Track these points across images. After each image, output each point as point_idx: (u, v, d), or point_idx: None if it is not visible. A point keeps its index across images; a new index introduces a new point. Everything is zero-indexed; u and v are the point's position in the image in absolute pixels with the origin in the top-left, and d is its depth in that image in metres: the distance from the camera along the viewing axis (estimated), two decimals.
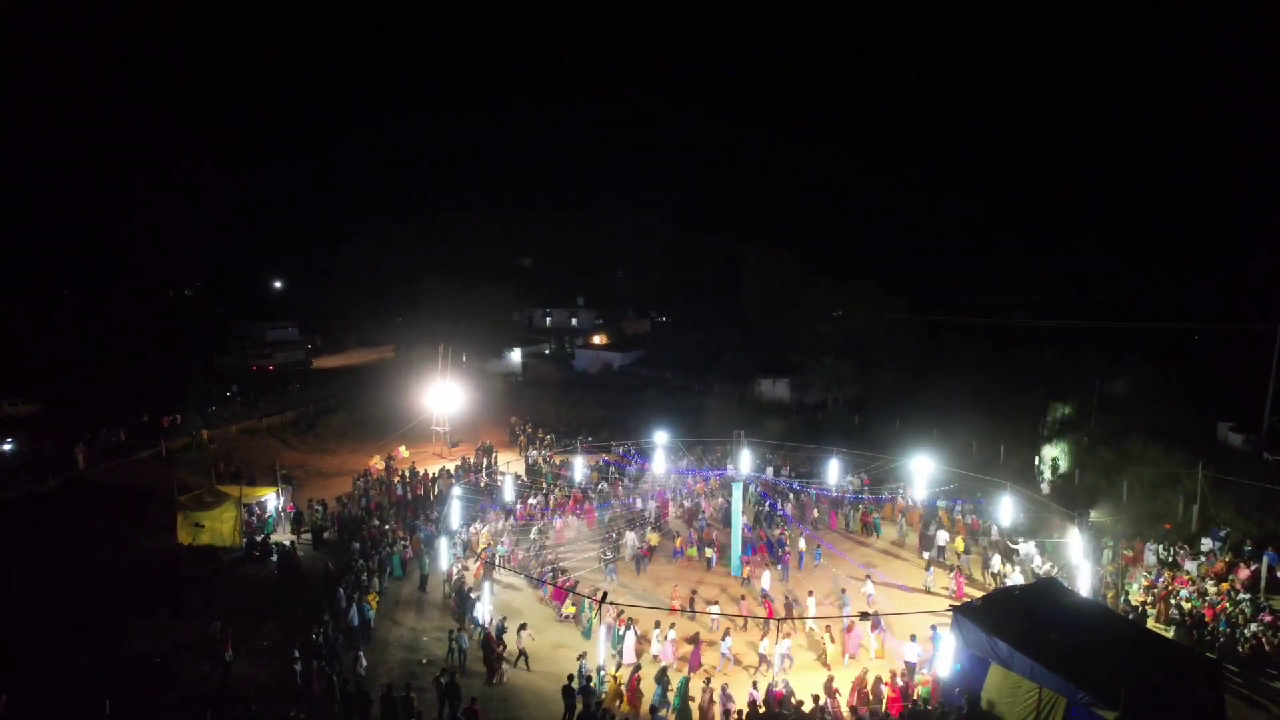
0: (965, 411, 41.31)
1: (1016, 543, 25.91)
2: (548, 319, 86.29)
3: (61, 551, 24.67)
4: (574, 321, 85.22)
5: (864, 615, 19.14)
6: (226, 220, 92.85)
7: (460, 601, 21.48)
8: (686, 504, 31.46)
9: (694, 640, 19.27)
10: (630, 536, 26.44)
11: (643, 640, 19.88)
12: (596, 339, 72.91)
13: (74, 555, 24.48)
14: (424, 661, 19.30)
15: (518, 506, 29.73)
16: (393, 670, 18.76)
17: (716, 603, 21.99)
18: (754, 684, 17.18)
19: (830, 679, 17.41)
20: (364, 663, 18.14)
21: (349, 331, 76.43)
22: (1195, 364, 46.79)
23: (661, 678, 16.75)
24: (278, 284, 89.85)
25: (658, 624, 19.84)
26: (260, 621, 20.97)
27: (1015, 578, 23.62)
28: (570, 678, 16.72)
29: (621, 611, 19.92)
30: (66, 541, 25.49)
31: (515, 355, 64.51)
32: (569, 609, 21.67)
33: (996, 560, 25.01)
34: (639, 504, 30.74)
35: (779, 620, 19.82)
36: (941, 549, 26.61)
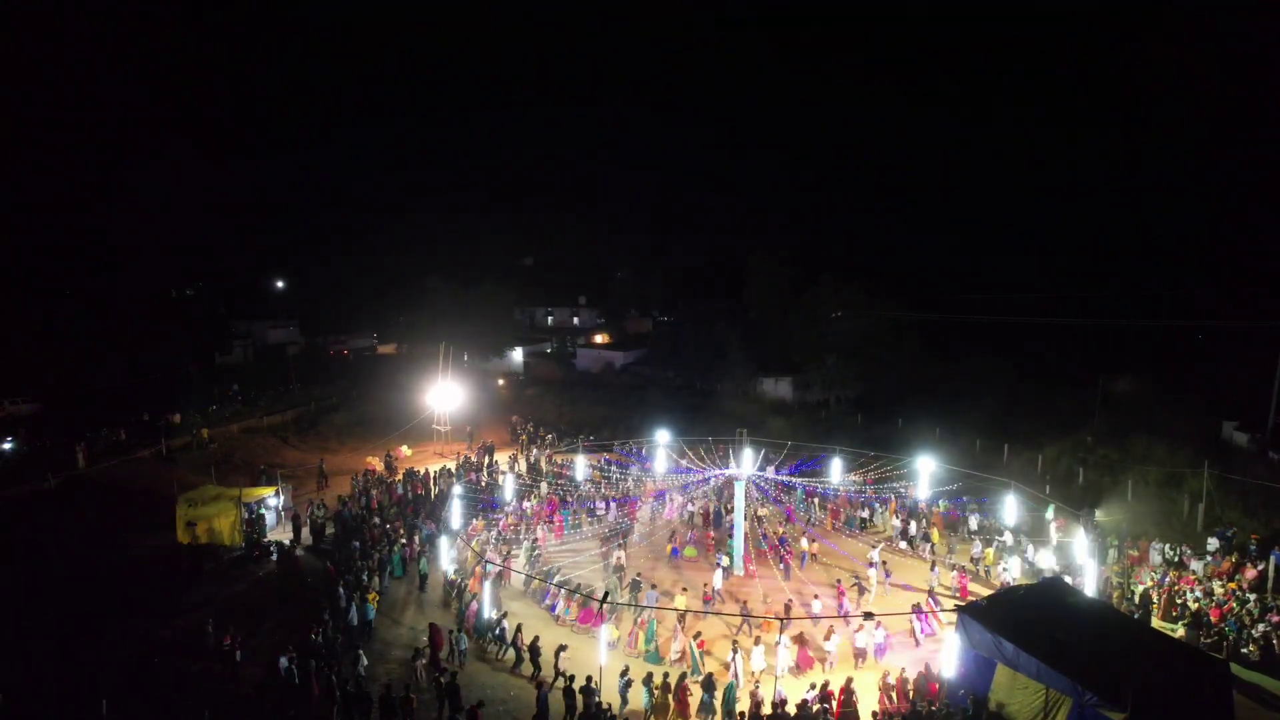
0: (968, 410, 41.22)
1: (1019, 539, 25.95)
2: (549, 318, 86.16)
3: (61, 550, 24.58)
4: (576, 320, 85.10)
5: (869, 615, 18.98)
6: (228, 219, 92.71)
7: (477, 618, 20.71)
8: (690, 507, 31.10)
9: (799, 640, 19.38)
10: (620, 555, 24.58)
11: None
12: (598, 338, 72.80)
13: (73, 554, 24.39)
14: (424, 662, 19.15)
15: (509, 509, 29.03)
16: (392, 670, 18.64)
17: (816, 597, 21.88)
18: (811, 685, 17.03)
19: (885, 674, 17.53)
20: (365, 662, 18.03)
21: (351, 331, 76.30)
22: (1200, 362, 46.57)
23: (709, 684, 16.63)
24: (279, 283, 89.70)
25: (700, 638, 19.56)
26: (260, 621, 20.89)
27: (1013, 570, 23.81)
28: (571, 678, 16.58)
29: (699, 634, 19.57)
30: (66, 540, 25.40)
31: (517, 354, 64.39)
32: (614, 633, 19.81)
33: (978, 547, 25.80)
34: (602, 508, 29.58)
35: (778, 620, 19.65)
36: (912, 539, 27.46)
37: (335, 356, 68.60)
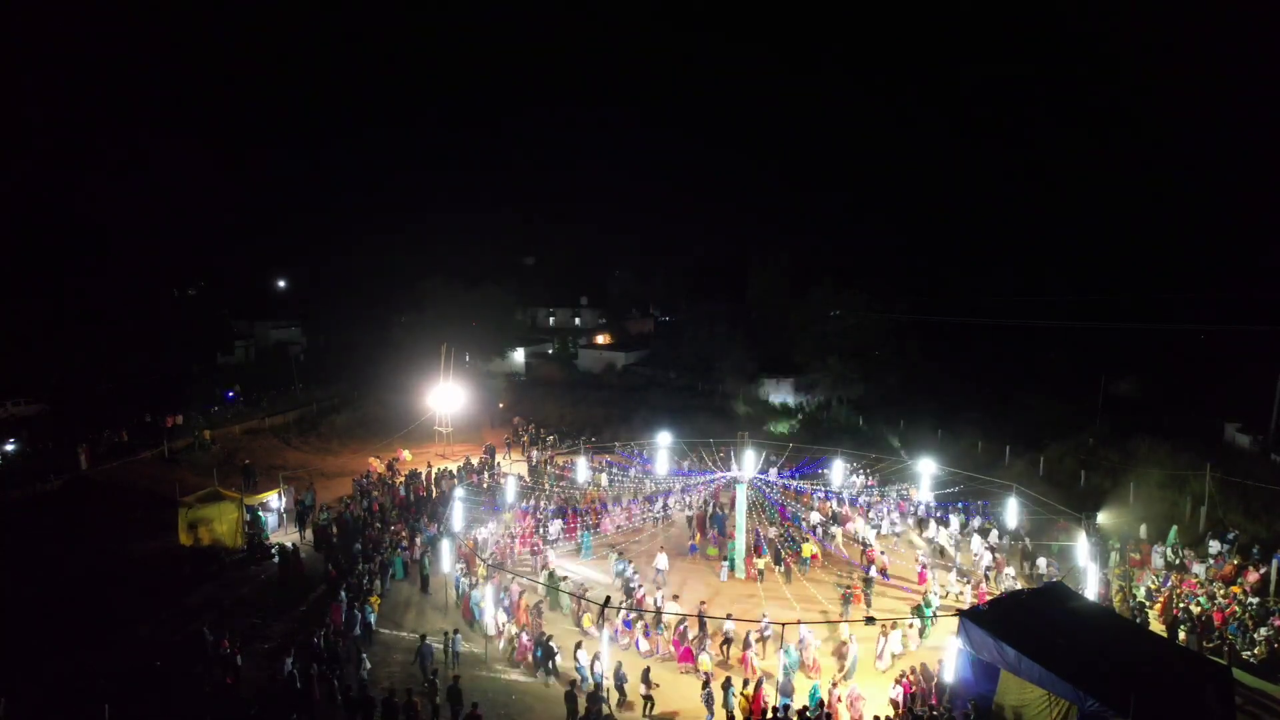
0: (970, 412, 41.21)
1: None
2: (551, 318, 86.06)
3: (63, 552, 24.61)
4: (577, 321, 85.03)
5: (870, 620, 18.97)
6: (230, 220, 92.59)
7: (545, 654, 18.78)
8: (692, 509, 30.99)
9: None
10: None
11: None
12: (600, 338, 72.69)
13: (76, 555, 24.42)
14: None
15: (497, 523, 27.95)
16: (394, 674, 18.66)
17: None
18: (899, 679, 17.12)
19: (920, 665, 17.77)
20: (367, 666, 18.05)
21: (352, 331, 76.17)
22: (1202, 364, 46.49)
23: (786, 689, 16.60)
24: (281, 283, 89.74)
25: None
26: (262, 624, 20.90)
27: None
28: (573, 683, 16.60)
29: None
30: (68, 542, 25.44)
31: (518, 355, 64.40)
32: (706, 665, 18.29)
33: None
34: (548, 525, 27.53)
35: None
36: (815, 528, 28.04)
37: None
